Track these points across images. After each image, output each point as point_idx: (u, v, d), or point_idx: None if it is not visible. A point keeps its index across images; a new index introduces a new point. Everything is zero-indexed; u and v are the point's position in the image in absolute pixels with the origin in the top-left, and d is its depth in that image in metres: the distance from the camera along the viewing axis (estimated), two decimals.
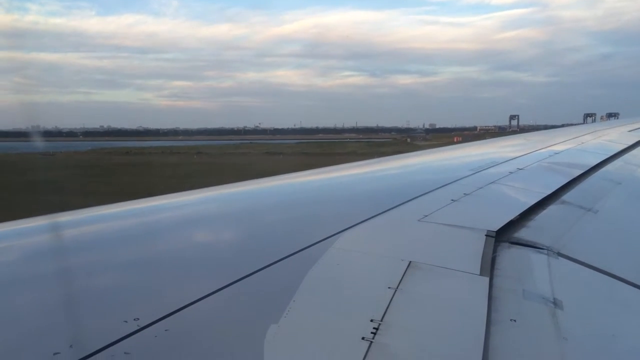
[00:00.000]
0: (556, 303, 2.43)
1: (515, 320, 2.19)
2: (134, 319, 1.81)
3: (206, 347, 1.73)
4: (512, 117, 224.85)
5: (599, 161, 7.17)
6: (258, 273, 2.32)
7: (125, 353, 1.61)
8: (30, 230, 3.32)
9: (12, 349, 1.70)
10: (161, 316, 1.85)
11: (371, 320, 1.96)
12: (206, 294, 2.06)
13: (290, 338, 1.81)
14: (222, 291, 2.11)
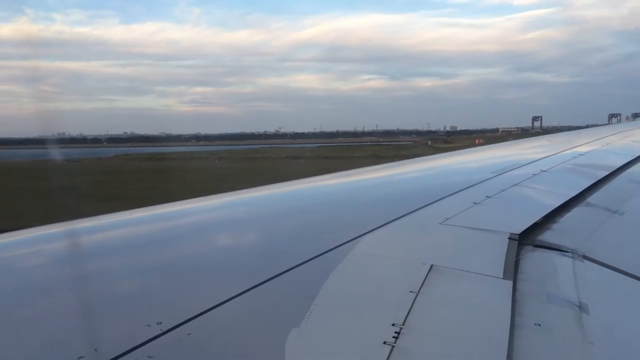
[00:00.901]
0: (582, 307, 2.39)
1: (539, 325, 2.16)
2: (157, 323, 1.83)
3: (228, 351, 1.75)
4: (534, 119, 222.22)
5: (624, 162, 7.03)
6: (279, 277, 2.33)
7: (148, 357, 1.63)
8: (53, 236, 3.38)
9: (37, 353, 1.73)
10: (183, 320, 1.87)
11: (393, 325, 1.95)
12: (227, 298, 2.07)
13: (311, 342, 1.81)
14: (243, 295, 2.13)
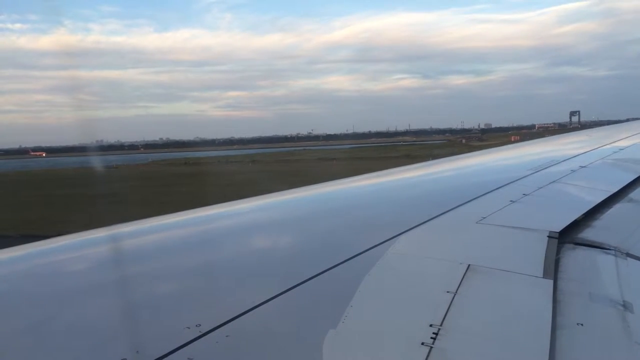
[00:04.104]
0: (626, 306, 2.32)
1: (582, 325, 2.10)
2: (196, 325, 1.85)
3: (265, 352, 1.76)
4: (572, 114, 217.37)
5: None
6: (315, 278, 2.34)
7: (188, 359, 1.66)
8: (94, 241, 3.47)
9: (81, 355, 1.78)
10: (222, 322, 1.89)
11: (430, 325, 1.93)
12: (265, 300, 2.09)
13: (348, 344, 1.81)
14: (280, 297, 2.14)
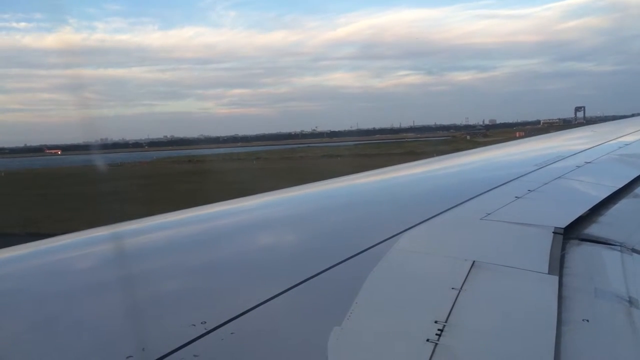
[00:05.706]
0: (632, 302, 2.31)
1: (588, 321, 2.10)
2: (202, 323, 1.86)
3: (270, 350, 1.76)
4: (577, 109, 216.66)
5: None
6: (320, 275, 2.34)
7: (194, 356, 1.66)
8: (99, 239, 3.48)
9: (87, 353, 1.79)
10: (227, 319, 1.89)
11: (435, 322, 1.93)
12: (269, 297, 2.09)
13: (353, 340, 1.81)
14: (285, 294, 2.14)
